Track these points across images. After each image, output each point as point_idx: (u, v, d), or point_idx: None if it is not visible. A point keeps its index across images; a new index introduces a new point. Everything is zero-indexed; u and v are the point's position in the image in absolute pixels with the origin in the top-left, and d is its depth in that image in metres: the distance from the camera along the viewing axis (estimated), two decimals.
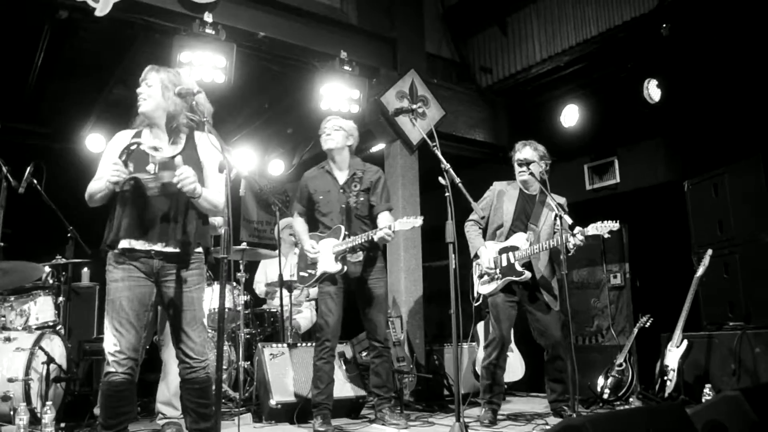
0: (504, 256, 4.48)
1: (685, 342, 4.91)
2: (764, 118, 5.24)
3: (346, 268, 4.23)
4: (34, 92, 6.47)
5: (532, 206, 4.56)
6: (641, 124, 6.25)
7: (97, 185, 2.95)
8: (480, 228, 4.68)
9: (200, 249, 3.10)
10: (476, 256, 4.64)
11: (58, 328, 4.63)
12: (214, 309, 5.19)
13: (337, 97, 5.93)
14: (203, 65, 5.11)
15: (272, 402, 4.47)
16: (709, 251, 5.00)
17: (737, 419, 2.62)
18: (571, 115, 6.55)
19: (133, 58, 5.75)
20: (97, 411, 3.84)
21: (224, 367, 5.18)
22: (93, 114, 7.05)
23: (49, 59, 5.83)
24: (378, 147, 6.93)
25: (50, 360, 4.09)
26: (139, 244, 2.95)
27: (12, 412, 3.81)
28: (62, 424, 3.97)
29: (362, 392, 4.82)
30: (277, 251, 5.48)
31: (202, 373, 3.00)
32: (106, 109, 6.89)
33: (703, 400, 4.30)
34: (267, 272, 6.38)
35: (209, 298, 5.00)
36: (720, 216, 5.20)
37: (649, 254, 6.34)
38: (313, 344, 4.43)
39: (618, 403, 5.14)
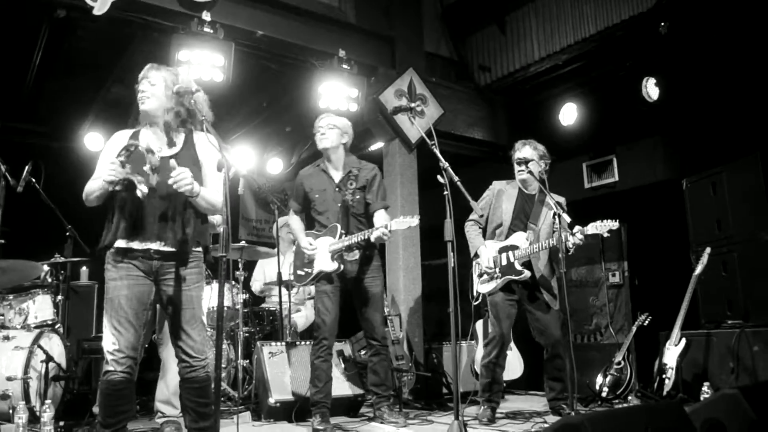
0: (504, 255, 4.48)
1: (684, 340, 4.92)
2: (762, 117, 5.25)
3: (342, 267, 4.22)
4: (33, 91, 6.46)
5: (532, 205, 4.57)
6: (640, 122, 6.26)
7: (94, 185, 2.95)
8: (480, 227, 4.69)
9: (199, 248, 3.09)
10: (476, 255, 4.64)
11: (56, 326, 4.62)
12: (213, 307, 5.19)
13: (335, 96, 5.93)
14: (202, 64, 5.11)
15: (271, 400, 4.48)
16: (708, 249, 5.00)
17: (736, 417, 2.62)
18: (569, 114, 6.55)
19: (131, 57, 5.75)
20: (96, 410, 3.84)
21: (223, 365, 5.18)
22: (91, 113, 7.04)
23: (48, 58, 5.82)
24: (377, 145, 6.93)
25: (49, 358, 4.09)
26: (137, 244, 2.95)
27: (11, 411, 3.81)
28: (61, 423, 3.97)
29: (361, 390, 4.83)
30: (275, 250, 5.48)
31: (202, 372, 3.00)
32: (104, 108, 6.88)
33: (702, 399, 4.31)
34: (265, 271, 6.38)
35: (208, 296, 5.01)
36: (718, 214, 5.20)
37: (647, 252, 6.35)
38: (311, 343, 4.43)
39: (616, 401, 5.15)
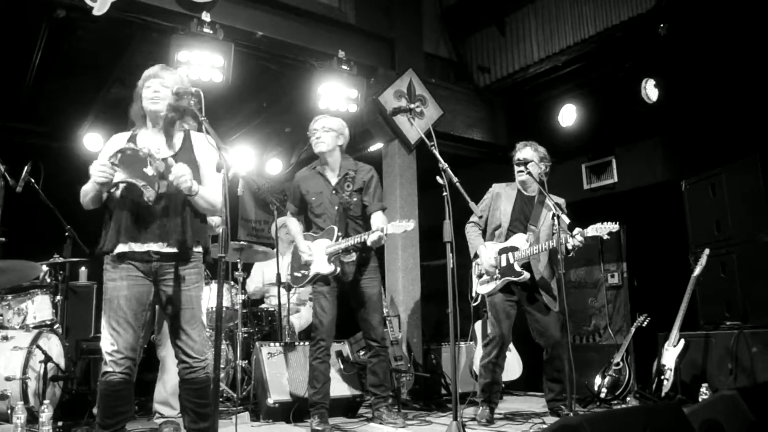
0: (503, 256, 4.48)
1: (682, 341, 4.92)
2: (762, 118, 5.26)
3: (339, 269, 4.22)
4: (32, 91, 6.46)
5: (531, 207, 4.57)
6: (639, 123, 6.26)
7: (87, 186, 2.94)
8: (480, 229, 4.69)
9: (199, 248, 3.09)
10: (476, 256, 4.65)
11: (55, 326, 4.62)
12: (211, 308, 5.19)
13: (335, 97, 5.93)
14: (201, 64, 5.10)
15: (270, 401, 4.48)
16: (707, 251, 5.01)
17: (734, 418, 2.62)
18: (568, 115, 6.55)
19: (130, 58, 5.75)
20: (96, 410, 3.84)
21: (222, 366, 5.18)
22: (91, 113, 7.04)
23: (47, 58, 5.82)
24: (376, 146, 6.93)
25: (48, 359, 4.08)
26: (138, 246, 2.94)
27: (9, 411, 3.81)
28: (59, 423, 3.97)
29: (359, 391, 4.83)
30: (274, 250, 5.48)
31: (202, 373, 3.00)
32: (103, 109, 6.88)
33: (700, 400, 4.32)
34: (264, 272, 6.37)
35: (207, 297, 5.01)
36: (717, 215, 5.21)
37: (646, 254, 6.35)
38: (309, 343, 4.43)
39: (615, 402, 5.15)
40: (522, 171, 4.53)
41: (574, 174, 7.07)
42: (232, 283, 5.53)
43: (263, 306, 6.00)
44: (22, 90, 6.41)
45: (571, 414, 3.96)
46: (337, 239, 4.20)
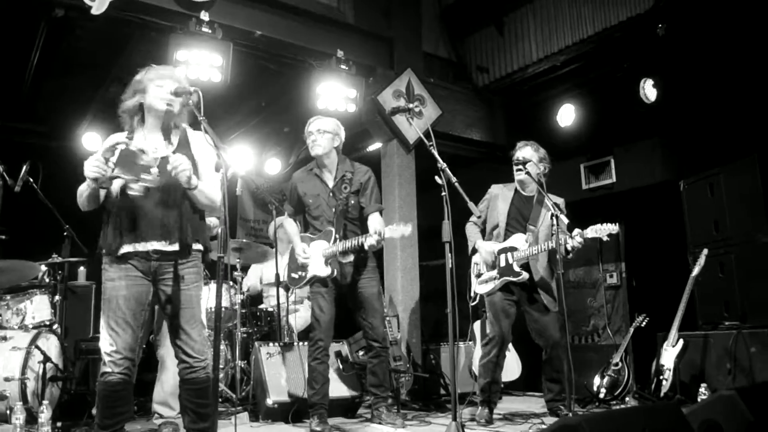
0: (503, 256, 4.48)
1: (681, 341, 4.93)
2: (760, 118, 5.26)
3: (335, 271, 4.21)
4: (31, 90, 6.45)
5: (529, 207, 4.57)
6: (637, 123, 6.26)
7: (82, 186, 2.92)
8: (479, 228, 4.70)
9: (198, 246, 3.07)
10: (473, 252, 4.65)
11: (54, 327, 4.62)
12: (211, 308, 5.18)
13: (333, 96, 5.92)
14: (200, 64, 5.10)
15: (269, 401, 4.47)
16: (705, 251, 5.02)
17: (733, 419, 2.63)
18: (567, 115, 6.55)
19: (129, 57, 5.74)
20: (94, 411, 3.84)
21: (221, 366, 5.18)
22: (89, 112, 7.03)
23: (46, 57, 5.81)
24: (375, 146, 6.94)
25: (47, 359, 4.08)
26: (141, 246, 2.92)
27: (8, 411, 3.80)
28: (58, 424, 3.97)
29: (358, 392, 4.83)
30: (273, 250, 5.47)
31: (202, 373, 2.99)
32: (102, 108, 6.87)
33: (699, 400, 4.32)
34: (263, 271, 6.37)
35: (206, 297, 5.00)
36: (716, 216, 5.21)
37: (645, 254, 6.36)
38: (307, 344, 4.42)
39: (614, 402, 5.15)
40: (520, 170, 4.53)
41: (572, 174, 7.07)
42: (231, 283, 5.53)
43: (262, 306, 6.00)
44: (20, 89, 6.40)
45: (570, 414, 3.96)
46: (334, 241, 4.19)
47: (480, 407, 4.49)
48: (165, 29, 5.16)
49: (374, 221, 4.25)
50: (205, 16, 5.11)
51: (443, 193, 3.56)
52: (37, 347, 4.10)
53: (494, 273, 4.50)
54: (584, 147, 6.90)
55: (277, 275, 5.34)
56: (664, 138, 6.40)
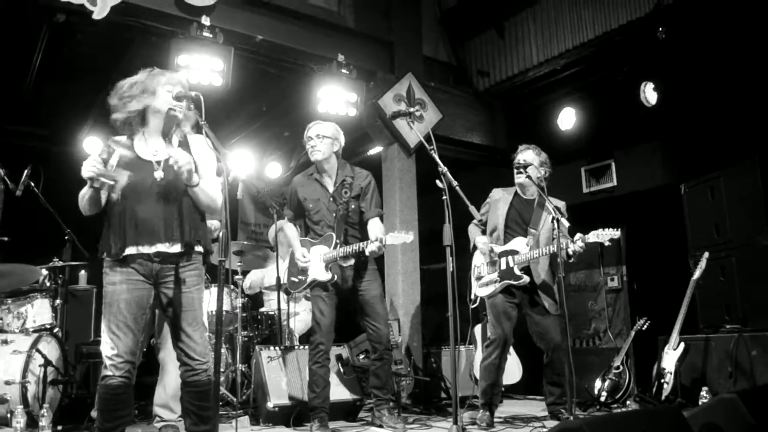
0: (503, 259, 4.48)
1: (682, 345, 4.92)
2: (760, 121, 5.27)
3: (336, 276, 4.21)
4: (32, 94, 6.47)
5: (530, 210, 4.57)
6: (638, 127, 6.27)
7: (83, 189, 2.91)
8: (481, 230, 4.71)
9: (200, 248, 3.07)
10: (475, 248, 4.65)
11: (55, 330, 4.62)
12: (212, 312, 5.18)
13: (334, 100, 5.93)
14: (201, 68, 5.12)
15: (270, 405, 4.47)
16: (706, 254, 5.01)
17: (734, 422, 2.62)
18: (568, 118, 6.56)
19: (130, 61, 5.74)
20: (94, 414, 3.84)
21: (222, 369, 5.18)
22: (90, 117, 7.04)
23: (47, 62, 5.83)
24: (375, 150, 6.94)
25: (47, 363, 4.08)
26: (143, 248, 2.92)
27: (9, 415, 3.81)
28: (59, 427, 3.98)
29: (359, 395, 4.82)
30: (274, 253, 5.48)
31: (204, 375, 2.99)
32: (103, 112, 6.78)
33: (700, 403, 4.31)
34: (266, 275, 6.37)
35: (207, 300, 5.00)
36: (716, 219, 5.21)
37: (646, 257, 6.36)
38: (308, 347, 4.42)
39: (615, 405, 5.15)
40: (521, 173, 4.53)
41: (573, 177, 7.07)
42: (232, 286, 5.53)
43: (263, 309, 6.00)
44: (22, 93, 6.42)
45: (571, 417, 3.96)
46: (335, 246, 4.19)
47: (481, 410, 4.48)
48: (166, 34, 5.18)
49: (374, 226, 4.25)
50: (206, 20, 5.12)
51: (444, 197, 3.57)
52: (38, 351, 4.10)
53: (495, 276, 4.50)
54: (585, 150, 6.90)
55: (278, 278, 5.35)
56: (665, 141, 6.41)
